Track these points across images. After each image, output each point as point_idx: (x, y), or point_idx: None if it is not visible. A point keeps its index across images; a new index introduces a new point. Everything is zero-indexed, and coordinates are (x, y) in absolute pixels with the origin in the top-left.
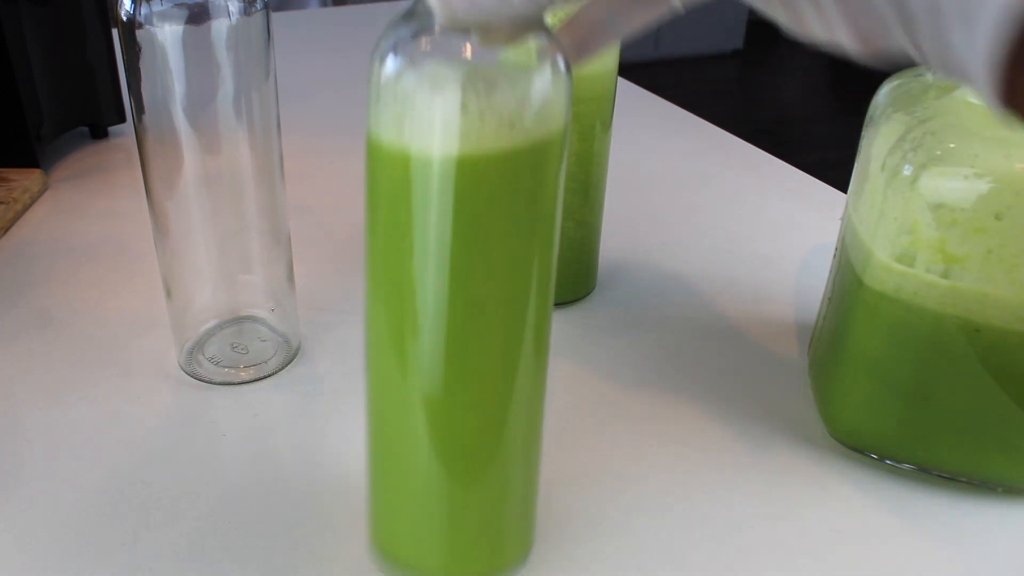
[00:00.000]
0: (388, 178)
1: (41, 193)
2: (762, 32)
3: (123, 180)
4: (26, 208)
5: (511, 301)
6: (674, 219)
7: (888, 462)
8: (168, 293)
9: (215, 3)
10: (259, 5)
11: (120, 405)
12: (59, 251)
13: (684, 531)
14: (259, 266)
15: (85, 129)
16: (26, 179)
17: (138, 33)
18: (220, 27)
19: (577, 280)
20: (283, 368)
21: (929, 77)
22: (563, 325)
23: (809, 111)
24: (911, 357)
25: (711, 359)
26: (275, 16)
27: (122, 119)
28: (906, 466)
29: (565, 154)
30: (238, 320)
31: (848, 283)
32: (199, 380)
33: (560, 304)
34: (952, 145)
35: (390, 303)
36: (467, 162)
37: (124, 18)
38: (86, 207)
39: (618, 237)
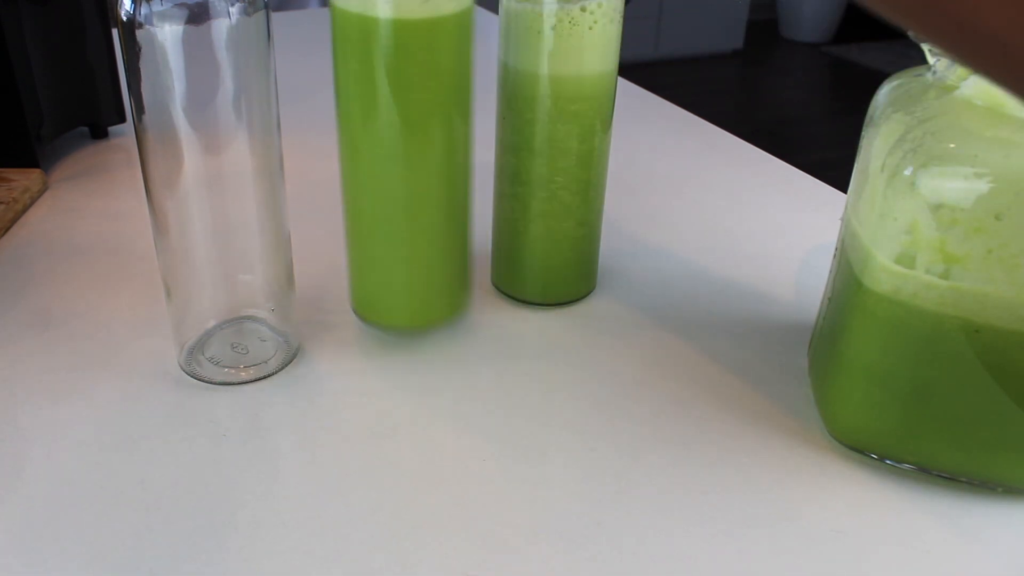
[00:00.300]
0: (351, 37)
1: (41, 193)
2: (762, 32)
3: (123, 180)
4: (26, 208)
5: (437, 117)
6: (674, 219)
7: (888, 462)
8: (168, 293)
9: (215, 3)
10: (259, 5)
11: (120, 405)
12: (59, 251)
13: (684, 531)
14: (259, 266)
15: (85, 129)
16: (26, 179)
17: (138, 33)
18: (220, 27)
19: (577, 280)
20: (283, 368)
21: (929, 77)
22: (563, 325)
23: (809, 111)
24: (910, 358)
25: (711, 359)
26: (275, 16)
27: (122, 119)
28: (906, 466)
29: (470, 30)
30: (238, 320)
31: (847, 284)
32: (199, 380)
33: (560, 304)
34: (952, 145)
35: (355, 120)
36: (398, 23)
37: (124, 18)
38: (86, 207)
39: (618, 237)
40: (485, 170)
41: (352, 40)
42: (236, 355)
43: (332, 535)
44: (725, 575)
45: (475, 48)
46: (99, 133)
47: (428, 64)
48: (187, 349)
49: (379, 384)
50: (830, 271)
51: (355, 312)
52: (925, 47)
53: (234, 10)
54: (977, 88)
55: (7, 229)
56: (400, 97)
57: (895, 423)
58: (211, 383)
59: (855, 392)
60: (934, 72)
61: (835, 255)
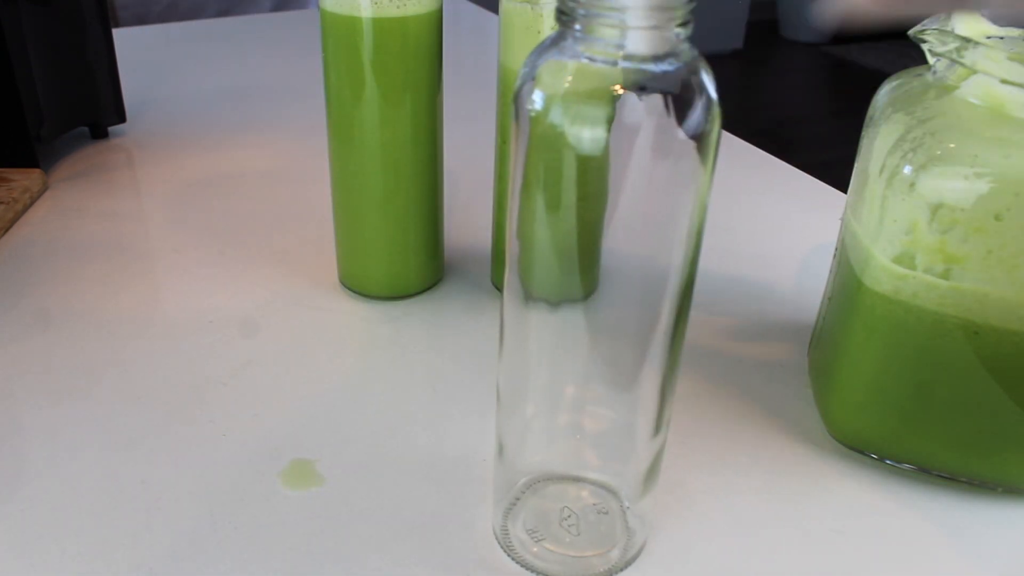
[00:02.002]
0: (339, 34)
1: (41, 193)
2: (762, 32)
3: (123, 180)
4: (26, 208)
5: (410, 103)
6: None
7: (888, 462)
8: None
9: None
10: None
11: (120, 405)
12: (59, 251)
13: (683, 532)
14: None
15: (85, 129)
16: (26, 179)
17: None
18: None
19: (580, 279)
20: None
21: (929, 77)
22: (565, 323)
23: (809, 111)
24: (910, 357)
25: (710, 359)
26: (275, 16)
27: (122, 119)
28: (906, 466)
29: (438, 29)
30: None
31: (848, 284)
32: None
33: (561, 303)
34: (952, 145)
35: (341, 108)
36: (378, 21)
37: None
38: (86, 207)
39: (617, 237)
40: (485, 174)
41: (338, 36)
42: None
43: (331, 535)
44: (724, 574)
45: (444, 43)
46: (99, 133)
47: (401, 54)
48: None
49: (384, 369)
50: (830, 271)
51: (341, 283)
52: (925, 47)
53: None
54: (977, 88)
55: (7, 229)
56: (378, 82)
57: (895, 423)
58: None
59: (855, 392)
60: (934, 72)
61: (835, 255)
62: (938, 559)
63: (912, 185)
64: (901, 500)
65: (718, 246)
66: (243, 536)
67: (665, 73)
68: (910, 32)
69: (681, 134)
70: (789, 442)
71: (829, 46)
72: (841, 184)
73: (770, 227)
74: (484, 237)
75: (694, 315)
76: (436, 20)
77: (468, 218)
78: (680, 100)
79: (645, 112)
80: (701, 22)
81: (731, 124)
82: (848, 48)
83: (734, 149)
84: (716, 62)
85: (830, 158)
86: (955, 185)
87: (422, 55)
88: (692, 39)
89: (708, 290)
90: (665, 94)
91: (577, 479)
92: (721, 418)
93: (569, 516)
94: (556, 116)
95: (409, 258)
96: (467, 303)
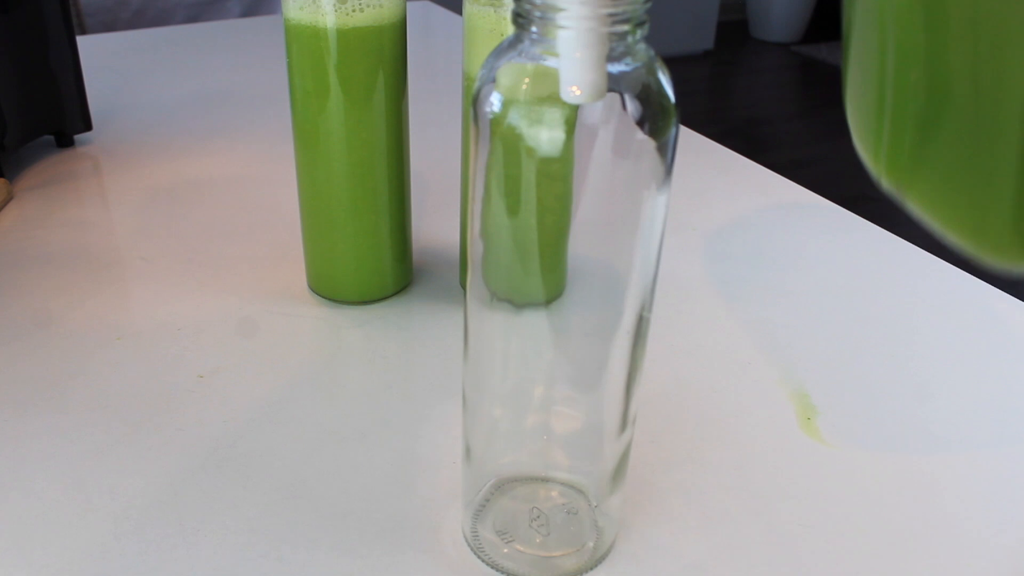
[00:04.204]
0: (302, 42)
1: (6, 203)
2: (732, 32)
3: (89, 189)
4: None
5: (375, 109)
6: None
7: None
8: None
9: None
10: None
11: (86, 414)
12: (25, 260)
13: (653, 530)
14: None
15: (51, 138)
16: None
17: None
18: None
19: (553, 278)
20: None
21: None
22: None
23: (779, 111)
24: None
25: (679, 358)
26: (270, 19)
27: (88, 127)
28: None
29: (402, 37)
30: None
31: None
32: None
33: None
34: None
35: (306, 115)
36: (341, 30)
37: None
38: (52, 216)
39: (579, 237)
40: (453, 176)
41: (301, 45)
42: None
43: (301, 540)
44: (693, 571)
45: (414, 48)
46: (65, 141)
47: (364, 62)
48: None
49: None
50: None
51: (310, 288)
52: None
53: None
54: None
55: None
56: (343, 90)
57: None
58: None
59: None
60: None
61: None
62: (911, 548)
63: None
64: (868, 494)
65: (687, 245)
66: (213, 544)
67: (621, 73)
68: None
69: (639, 134)
70: (758, 438)
71: (799, 45)
72: (811, 183)
73: (739, 226)
74: (453, 240)
75: (662, 313)
76: (400, 28)
77: (437, 221)
78: (637, 100)
79: (603, 113)
80: (672, 24)
81: (702, 124)
82: (817, 47)
83: (704, 149)
84: (687, 63)
85: (800, 157)
86: None
87: (386, 62)
88: (662, 40)
89: (676, 289)
90: (622, 94)
91: (545, 479)
92: (690, 416)
93: (538, 516)
94: (514, 118)
95: (377, 262)
96: (436, 306)
